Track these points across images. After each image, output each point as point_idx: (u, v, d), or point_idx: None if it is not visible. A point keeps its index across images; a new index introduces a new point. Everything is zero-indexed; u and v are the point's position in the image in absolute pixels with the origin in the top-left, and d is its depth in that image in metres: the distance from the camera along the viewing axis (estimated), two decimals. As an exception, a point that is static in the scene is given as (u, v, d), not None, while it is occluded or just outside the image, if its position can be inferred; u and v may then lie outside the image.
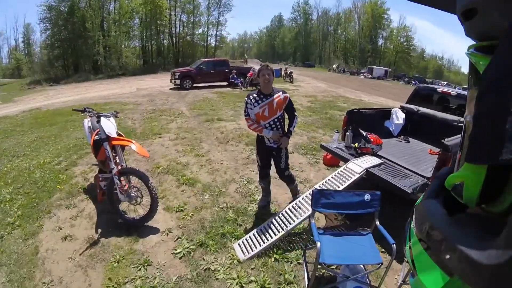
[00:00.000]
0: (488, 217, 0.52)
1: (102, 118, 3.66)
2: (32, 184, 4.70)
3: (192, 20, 51.16)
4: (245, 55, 22.68)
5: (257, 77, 3.54)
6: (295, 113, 3.58)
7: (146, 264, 2.97)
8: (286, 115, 3.60)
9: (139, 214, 3.60)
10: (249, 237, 3.27)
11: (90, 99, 14.02)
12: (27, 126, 9.01)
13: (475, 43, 0.54)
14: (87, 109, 3.99)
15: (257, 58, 56.71)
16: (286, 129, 3.58)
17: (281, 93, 3.48)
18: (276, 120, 3.47)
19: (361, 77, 43.72)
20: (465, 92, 6.23)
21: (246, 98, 3.54)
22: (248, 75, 16.66)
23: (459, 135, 3.86)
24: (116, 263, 2.99)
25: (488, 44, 0.49)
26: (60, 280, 2.81)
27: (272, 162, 3.76)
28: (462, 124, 3.65)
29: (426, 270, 0.55)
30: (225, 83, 18.03)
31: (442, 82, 46.45)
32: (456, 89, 8.35)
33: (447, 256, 0.48)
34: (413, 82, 41.59)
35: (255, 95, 3.48)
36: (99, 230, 3.53)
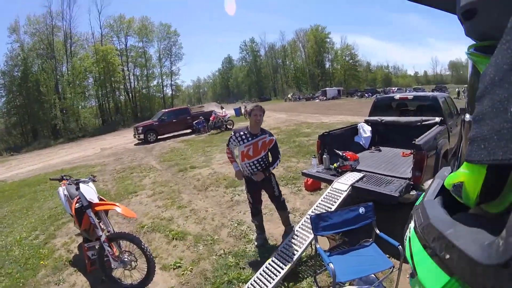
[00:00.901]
0: (488, 217, 0.54)
1: (81, 185, 3.53)
2: (12, 263, 4.37)
3: (145, 73, 51.97)
4: (202, 104, 23.50)
5: (248, 116, 3.64)
6: (279, 155, 3.73)
7: (157, 332, 2.82)
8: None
9: (135, 279, 3.42)
10: (257, 277, 3.20)
11: (54, 165, 13.46)
12: None
13: (475, 43, 0.57)
14: (64, 177, 3.87)
15: (214, 101, 57.66)
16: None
17: (267, 135, 3.62)
18: (260, 159, 3.58)
19: (317, 100, 45.59)
20: (420, 93, 6.75)
21: (232, 133, 3.66)
22: (210, 119, 16.86)
23: (427, 133, 4.18)
24: None
25: (488, 44, 0.52)
26: None
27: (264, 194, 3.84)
28: (425, 123, 3.92)
29: (426, 270, 0.57)
30: (189, 131, 18.09)
31: (393, 89, 49.38)
32: (410, 92, 8.97)
33: (447, 256, 0.49)
34: (366, 95, 43.95)
35: (241, 133, 3.58)
36: None
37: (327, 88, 54.78)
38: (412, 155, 3.79)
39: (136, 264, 3.41)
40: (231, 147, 3.69)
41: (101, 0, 63.61)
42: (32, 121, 37.40)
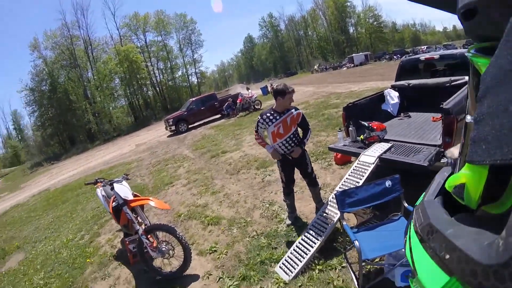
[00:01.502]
0: (488, 217, 0.53)
1: (115, 185, 3.78)
2: (61, 264, 4.75)
3: (169, 65, 52.65)
4: (227, 88, 23.73)
5: (280, 99, 3.53)
6: (309, 127, 3.72)
7: (197, 313, 2.96)
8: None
9: (174, 266, 3.61)
10: (288, 256, 3.27)
11: (93, 167, 14.22)
12: (41, 209, 9.14)
13: (475, 44, 0.57)
14: (98, 180, 4.14)
15: (240, 82, 57.57)
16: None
17: (293, 110, 3.60)
18: (292, 136, 3.58)
19: (344, 68, 44.04)
20: (447, 52, 6.32)
21: (259, 117, 3.67)
22: (237, 101, 16.88)
23: (455, 95, 3.92)
24: None
25: (489, 45, 0.51)
26: None
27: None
28: (455, 83, 3.65)
29: (426, 270, 0.56)
30: (218, 116, 18.26)
31: (423, 47, 46.53)
32: (438, 50, 8.43)
33: (447, 256, 0.49)
34: (394, 56, 41.76)
35: (268, 114, 3.59)
36: None
37: (353, 55, 52.58)
38: (441, 120, 3.59)
39: (173, 252, 3.60)
40: (260, 132, 3.70)
41: (113, 3, 64.90)
42: (67, 129, 39.49)
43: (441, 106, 3.53)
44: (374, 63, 44.03)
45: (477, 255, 0.42)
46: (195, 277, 3.53)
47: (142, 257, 3.58)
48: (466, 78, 4.56)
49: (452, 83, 4.81)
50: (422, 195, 0.80)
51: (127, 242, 3.74)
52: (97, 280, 4.05)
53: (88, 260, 4.60)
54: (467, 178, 0.54)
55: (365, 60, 47.84)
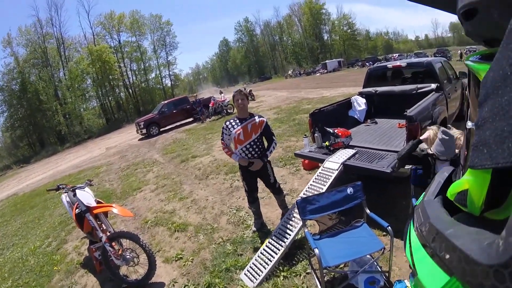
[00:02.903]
0: (488, 218, 0.53)
1: (77, 191, 3.69)
2: (29, 272, 4.57)
3: (142, 66, 51.59)
4: (195, 94, 23.25)
5: (233, 102, 3.62)
6: (274, 138, 3.68)
7: (162, 322, 2.90)
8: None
9: (140, 274, 3.52)
10: (253, 263, 3.25)
11: (63, 171, 13.72)
12: (9, 215, 8.75)
13: (474, 53, 0.57)
14: (60, 186, 4.01)
15: (215, 86, 57.32)
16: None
17: (256, 117, 3.59)
18: (252, 143, 3.54)
19: (318, 74, 44.94)
20: (414, 60, 6.56)
21: (224, 124, 3.64)
22: (210, 105, 16.75)
23: (420, 102, 4.07)
24: None
25: (488, 53, 0.51)
26: None
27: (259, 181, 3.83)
28: (421, 90, 3.79)
29: (426, 270, 0.56)
30: (191, 119, 18.05)
31: (394, 55, 48.36)
32: (407, 57, 8.73)
33: (447, 256, 0.49)
34: (367, 63, 43.02)
35: (231, 121, 3.58)
36: None
37: (327, 61, 53.81)
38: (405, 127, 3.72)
39: (138, 260, 3.52)
40: (226, 140, 3.66)
41: (88, 1, 62.84)
42: (37, 131, 37.96)
43: (405, 113, 3.65)
44: (347, 69, 45.28)
45: (477, 255, 0.42)
46: (160, 285, 3.46)
47: (107, 265, 3.48)
48: (432, 85, 4.78)
49: (418, 91, 5.00)
50: (422, 195, 0.80)
51: (93, 250, 3.66)
52: None
53: (55, 268, 4.43)
54: (469, 184, 0.54)
55: (338, 67, 49.05)
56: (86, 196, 3.64)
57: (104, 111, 45.63)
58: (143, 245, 3.37)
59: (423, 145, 2.89)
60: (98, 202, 3.85)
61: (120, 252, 3.48)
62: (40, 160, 26.31)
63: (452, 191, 0.60)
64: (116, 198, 6.87)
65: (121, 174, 9.32)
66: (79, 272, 4.18)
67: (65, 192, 4.05)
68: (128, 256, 3.49)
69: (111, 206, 3.61)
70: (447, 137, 2.74)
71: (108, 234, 3.52)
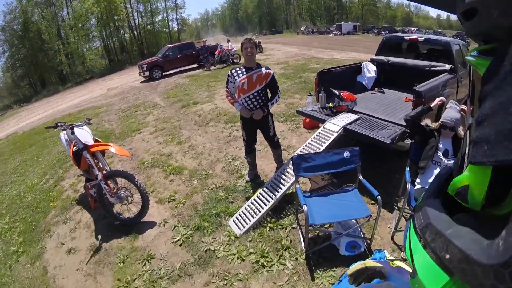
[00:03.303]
0: (488, 217, 0.53)
1: (75, 129, 3.67)
2: (26, 208, 4.68)
3: (149, 8, 49.15)
4: (204, 39, 21.96)
5: (241, 51, 3.51)
6: (278, 91, 3.61)
7: (150, 258, 3.07)
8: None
9: (133, 212, 3.64)
10: (242, 212, 3.36)
11: (63, 110, 13.61)
12: (8, 153, 8.77)
13: (476, 47, 0.54)
14: (59, 124, 3.96)
15: (223, 33, 55.33)
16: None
17: (263, 68, 3.48)
18: (256, 94, 3.47)
19: (331, 35, 43.23)
20: (432, 36, 6.30)
21: (229, 72, 3.57)
22: (216, 53, 16.26)
23: (431, 80, 3.96)
24: (122, 264, 3.08)
25: (489, 47, 0.49)
26: None
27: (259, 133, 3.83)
28: (434, 69, 3.66)
29: (426, 270, 0.57)
30: (195, 66, 17.62)
31: (412, 29, 46.31)
32: (425, 34, 8.35)
33: (447, 256, 0.49)
34: (383, 32, 41.28)
35: (237, 69, 3.49)
36: (99, 236, 3.58)
37: (342, 23, 51.45)
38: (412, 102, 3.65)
39: (132, 199, 3.62)
40: (230, 88, 3.58)
41: None
42: (38, 71, 36.87)
43: (414, 87, 3.57)
44: (361, 34, 43.52)
45: (477, 255, 0.42)
46: (152, 224, 3.59)
47: (102, 202, 3.57)
48: (447, 66, 4.62)
49: (431, 68, 4.84)
50: (422, 195, 0.81)
51: (89, 187, 3.72)
52: (59, 223, 4.03)
53: (51, 204, 4.54)
54: (470, 179, 0.54)
55: (353, 30, 47.06)
56: (84, 134, 3.64)
57: (107, 52, 44.15)
58: (138, 185, 3.45)
59: (428, 122, 2.86)
60: (96, 141, 3.86)
61: (115, 190, 3.57)
62: (40, 100, 25.99)
63: (453, 187, 0.60)
64: (115, 139, 6.89)
65: (121, 115, 9.27)
66: (74, 208, 4.30)
67: (63, 130, 4.03)
68: (122, 195, 3.58)
69: (109, 145, 3.62)
70: (457, 107, 2.74)
71: (104, 172, 3.57)
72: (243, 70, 3.46)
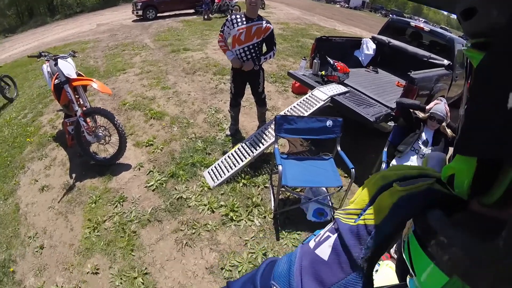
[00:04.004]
0: (487, 217, 0.52)
1: (59, 60, 3.45)
2: (2, 143, 4.50)
3: None
4: None
5: (245, 0, 3.31)
6: (274, 48, 3.47)
7: (121, 201, 3.08)
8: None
9: (109, 153, 3.59)
10: (218, 164, 3.38)
11: (48, 43, 12.78)
12: None
13: (469, 40, 0.51)
14: (42, 54, 3.73)
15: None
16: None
17: (264, 22, 3.32)
18: (251, 47, 3.34)
19: (337, 6, 41.86)
20: (438, 29, 6.20)
21: (229, 16, 3.41)
22: (216, 1, 15.48)
23: (427, 70, 3.95)
24: (93, 204, 3.08)
25: (484, 41, 0.46)
26: (44, 230, 2.90)
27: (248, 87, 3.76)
28: (432, 61, 3.64)
29: (425, 271, 0.56)
30: (192, 11, 16.78)
31: (420, 19, 45.54)
32: (431, 26, 8.15)
33: (446, 257, 0.49)
34: (390, 15, 40.34)
35: (238, 16, 3.31)
36: (74, 175, 3.54)
37: (352, -5, 49.74)
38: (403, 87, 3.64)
39: (110, 139, 3.55)
40: (225, 33, 3.40)
41: None
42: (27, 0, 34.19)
43: (409, 73, 3.55)
44: (369, 12, 42.47)
45: (477, 255, 0.41)
46: (127, 167, 3.57)
47: (79, 140, 3.50)
48: (445, 61, 4.59)
49: (430, 60, 4.80)
50: None
51: (67, 124, 3.63)
52: (34, 160, 3.93)
53: (28, 140, 4.40)
54: (457, 168, 0.53)
55: (360, 6, 45.84)
56: (68, 67, 3.45)
57: None
58: (117, 125, 3.36)
59: (420, 113, 2.90)
60: (79, 75, 3.66)
61: (93, 129, 3.47)
62: (26, 31, 24.08)
63: (444, 174, 0.60)
64: (99, 76, 6.58)
65: (107, 53, 8.79)
66: (50, 145, 4.19)
67: (46, 61, 3.79)
68: (100, 134, 3.50)
69: (91, 80, 3.47)
70: (446, 104, 2.78)
71: (84, 109, 3.46)
72: (244, 19, 3.28)
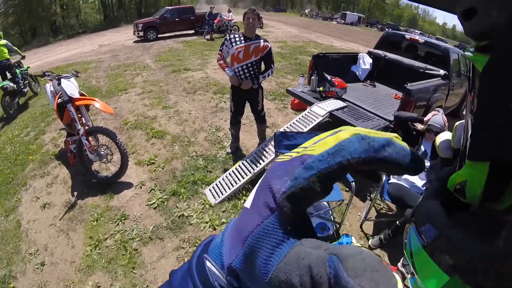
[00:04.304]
0: (488, 217, 0.52)
1: (62, 80, 3.54)
2: (4, 160, 4.57)
3: (152, -36, 46.82)
4: (213, 6, 20.43)
5: (243, 20, 3.42)
6: (272, 66, 3.54)
7: (123, 219, 3.09)
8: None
9: (111, 171, 3.61)
10: (219, 182, 3.39)
11: (51, 63, 13.07)
12: None
13: (474, 43, 0.53)
14: (46, 73, 3.83)
15: (227, 2, 53.67)
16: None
17: (262, 40, 3.41)
18: (249, 65, 3.41)
19: (334, 22, 42.66)
20: (432, 40, 6.32)
21: (227, 36, 3.49)
22: (215, 21, 15.83)
23: (423, 81, 4.01)
24: (95, 222, 3.08)
25: (487, 44, 0.48)
26: (45, 247, 2.90)
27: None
28: (428, 72, 3.71)
29: (425, 271, 0.57)
30: (191, 32, 17.15)
31: (416, 31, 46.27)
32: (426, 37, 8.28)
33: (447, 257, 0.49)
34: (386, 29, 40.98)
35: (236, 36, 3.40)
36: (75, 193, 3.56)
37: (348, 12, 50.62)
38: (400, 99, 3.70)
39: (111, 157, 3.58)
40: (224, 52, 3.48)
41: None
42: (30, 19, 34.86)
43: (405, 85, 3.61)
44: (364, 27, 43.14)
45: (477, 255, 0.42)
46: (128, 185, 3.59)
47: (81, 158, 3.53)
48: (441, 71, 4.67)
49: (426, 71, 4.88)
50: (421, 196, 0.81)
51: (69, 142, 3.66)
52: (36, 177, 3.98)
53: (30, 157, 4.46)
54: (468, 175, 0.54)
55: (357, 22, 46.49)
56: (71, 87, 3.53)
57: (103, 7, 41.95)
58: (119, 143, 3.41)
59: (418, 125, 2.93)
60: (81, 95, 3.75)
61: (95, 147, 3.52)
62: (29, 50, 24.60)
63: (452, 183, 0.60)
64: (101, 96, 6.69)
65: (109, 73, 8.97)
66: (52, 163, 4.23)
67: (50, 80, 3.88)
68: (102, 152, 3.54)
69: (94, 100, 3.54)
70: (443, 115, 2.81)
71: (87, 128, 3.51)
72: (242, 38, 3.37)
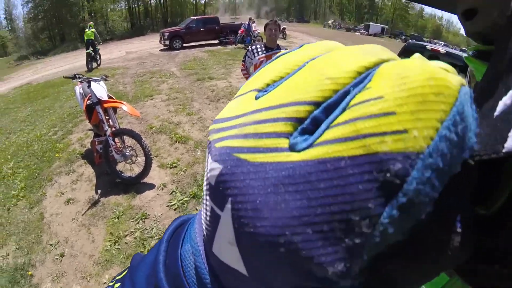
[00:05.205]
0: (487, 218, 0.54)
1: (92, 83, 3.71)
2: (31, 156, 4.79)
3: (179, -24, 48.31)
4: (238, 17, 20.50)
5: (264, 31, 3.52)
6: None
7: (143, 217, 3.18)
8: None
9: (135, 172, 3.73)
10: (239, 187, 3.45)
11: (79, 67, 13.54)
12: (20, 102, 8.91)
13: (473, 46, 0.54)
14: (77, 75, 4.02)
15: (249, 14, 54.43)
16: None
17: (283, 50, 3.46)
18: None
19: (357, 33, 42.44)
20: (454, 51, 6.20)
21: (249, 47, 3.58)
22: (239, 32, 16.15)
23: None
24: (116, 219, 3.19)
25: (487, 49, 0.48)
26: (66, 240, 3.03)
27: None
28: None
29: None
30: (216, 41, 17.52)
31: (440, 42, 45.23)
32: (449, 48, 8.15)
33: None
34: (410, 40, 40.26)
35: (258, 46, 3.48)
36: (99, 191, 3.70)
37: (371, 23, 50.33)
38: None
39: (136, 159, 3.70)
40: (247, 63, 3.58)
41: None
42: (59, 25, 36.37)
43: None
44: (388, 38, 42.66)
45: (477, 255, 0.45)
46: (151, 186, 3.71)
47: (106, 158, 3.65)
48: None
49: None
50: None
51: (95, 143, 3.79)
52: (62, 174, 4.16)
53: (57, 155, 4.64)
54: None
55: (380, 33, 46.04)
56: (100, 89, 3.68)
57: (131, 15, 43.57)
58: (144, 146, 3.51)
59: None
60: (110, 98, 3.89)
61: (121, 149, 3.64)
62: (58, 54, 25.86)
63: None
64: (127, 101, 6.84)
65: (136, 79, 9.30)
66: (78, 162, 4.42)
67: (80, 83, 4.07)
68: (127, 153, 3.65)
69: (122, 103, 3.67)
70: None
71: (114, 129, 3.64)
72: (263, 48, 3.45)
